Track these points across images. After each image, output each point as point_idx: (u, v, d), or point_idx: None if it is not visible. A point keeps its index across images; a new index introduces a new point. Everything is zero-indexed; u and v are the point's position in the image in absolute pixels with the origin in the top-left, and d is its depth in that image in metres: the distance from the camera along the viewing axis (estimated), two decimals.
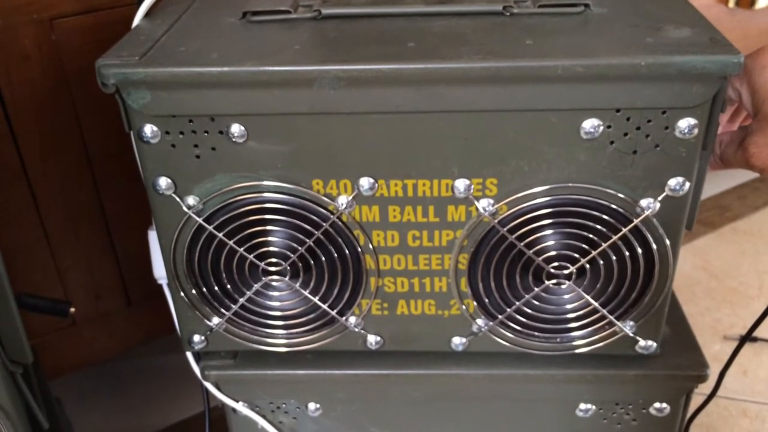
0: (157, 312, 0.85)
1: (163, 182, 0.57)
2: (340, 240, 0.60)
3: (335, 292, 0.62)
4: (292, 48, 0.55)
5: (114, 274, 0.86)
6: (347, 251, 0.60)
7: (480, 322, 0.63)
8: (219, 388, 0.68)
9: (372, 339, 0.64)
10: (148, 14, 0.62)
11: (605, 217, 0.56)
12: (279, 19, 0.60)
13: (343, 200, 0.58)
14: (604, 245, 0.57)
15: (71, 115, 0.77)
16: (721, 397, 1.06)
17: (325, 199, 0.58)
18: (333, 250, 0.60)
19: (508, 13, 0.58)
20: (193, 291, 0.63)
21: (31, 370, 0.53)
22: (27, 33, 0.71)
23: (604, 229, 0.57)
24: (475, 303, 0.62)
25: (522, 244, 0.57)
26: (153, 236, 0.64)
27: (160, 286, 0.67)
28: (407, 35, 0.55)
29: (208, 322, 0.64)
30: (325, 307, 0.62)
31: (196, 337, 0.65)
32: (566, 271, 0.59)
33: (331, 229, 0.59)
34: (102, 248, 0.84)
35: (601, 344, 0.63)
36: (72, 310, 0.66)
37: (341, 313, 0.63)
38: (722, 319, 1.21)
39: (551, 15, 0.58)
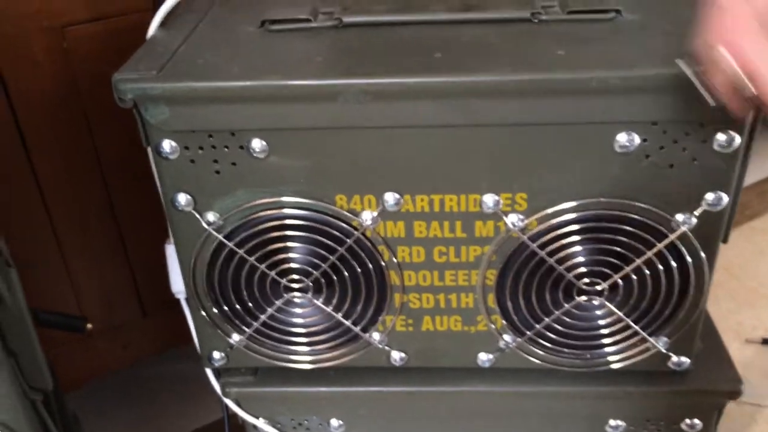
0: (171, 322, 0.84)
1: (183, 198, 0.56)
2: (363, 256, 0.58)
3: (359, 308, 0.60)
4: (314, 60, 0.53)
5: (128, 284, 0.84)
6: (371, 267, 0.58)
7: (507, 338, 0.61)
8: (240, 405, 0.67)
9: (396, 355, 0.63)
10: (163, 23, 0.60)
11: (639, 232, 0.54)
12: (298, 28, 0.58)
13: (367, 216, 0.56)
14: (638, 261, 0.55)
15: (83, 124, 0.75)
16: (745, 403, 1.04)
17: (349, 214, 0.56)
18: (356, 266, 0.58)
19: (536, 21, 0.56)
20: (214, 308, 0.61)
21: (51, 395, 0.51)
22: (38, 41, 0.69)
23: (637, 244, 0.55)
24: (502, 319, 0.60)
25: (553, 259, 0.56)
26: (170, 250, 0.62)
27: (174, 296, 0.65)
28: (433, 45, 0.53)
29: (228, 339, 0.63)
30: (348, 323, 0.61)
31: (216, 354, 0.64)
32: (598, 287, 0.57)
33: (354, 245, 0.57)
34: (115, 259, 0.82)
35: (632, 360, 0.61)
36: (89, 326, 0.65)
37: (365, 330, 0.61)
38: (744, 322, 1.19)
39: (581, 22, 0.56)
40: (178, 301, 0.66)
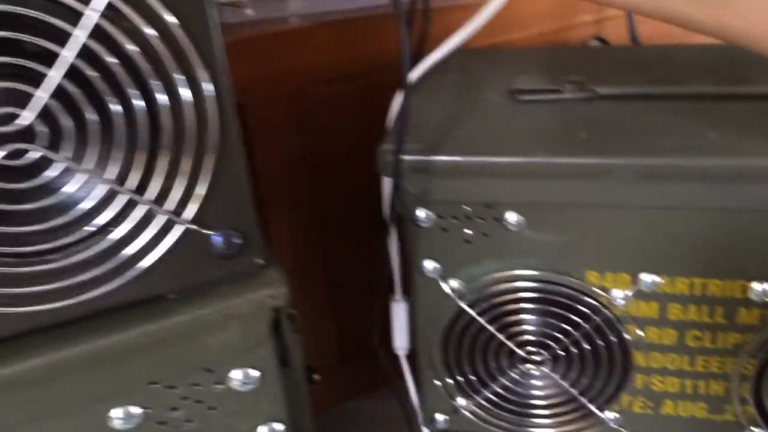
0: (368, 368, 0.85)
1: (430, 265, 0.57)
2: (609, 333, 0.56)
3: (596, 385, 0.58)
4: (577, 135, 0.52)
5: (331, 333, 0.87)
6: (616, 345, 0.56)
7: (757, 431, 0.57)
8: None
9: None
10: None
11: None
12: (549, 99, 0.57)
13: (618, 294, 0.54)
14: None
15: (311, 184, 0.78)
16: None
17: (599, 291, 0.54)
18: (600, 342, 0.57)
19: None
20: (445, 373, 0.61)
21: None
22: (281, 104, 0.73)
23: None
24: (755, 410, 0.56)
25: None
26: (398, 308, 0.63)
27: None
28: (702, 123, 0.51)
29: (453, 403, 0.63)
30: (584, 401, 0.59)
31: (440, 417, 0.64)
32: None
33: (601, 322, 0.56)
34: (323, 310, 0.85)
35: None
36: (316, 377, 0.66)
37: (600, 408, 0.59)
38: None
39: None
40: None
